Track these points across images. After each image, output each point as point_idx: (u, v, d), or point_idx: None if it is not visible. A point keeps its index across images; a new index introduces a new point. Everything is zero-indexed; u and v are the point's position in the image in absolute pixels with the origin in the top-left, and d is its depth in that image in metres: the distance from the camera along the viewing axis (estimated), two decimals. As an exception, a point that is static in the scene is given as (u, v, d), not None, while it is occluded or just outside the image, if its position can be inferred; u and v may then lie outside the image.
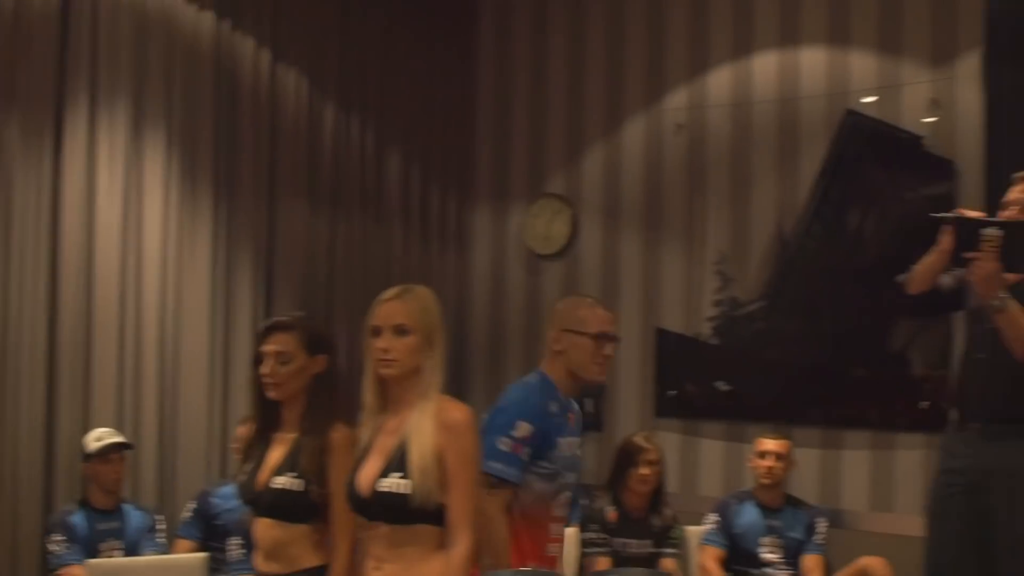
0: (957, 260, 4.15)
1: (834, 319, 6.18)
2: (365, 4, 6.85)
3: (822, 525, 5.70)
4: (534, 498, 3.90)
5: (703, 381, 6.60)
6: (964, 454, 4.39)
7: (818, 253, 6.24)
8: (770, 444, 5.69)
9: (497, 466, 3.77)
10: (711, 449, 6.56)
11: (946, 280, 4.46)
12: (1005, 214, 4.30)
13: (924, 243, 5.59)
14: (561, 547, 4.09)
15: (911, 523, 5.40)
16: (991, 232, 4.03)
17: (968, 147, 5.79)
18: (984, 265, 4.07)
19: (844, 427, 6.13)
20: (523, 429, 3.81)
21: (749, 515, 5.68)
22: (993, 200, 4.99)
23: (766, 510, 5.68)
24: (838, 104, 6.21)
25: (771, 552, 5.62)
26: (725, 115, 6.58)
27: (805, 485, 6.02)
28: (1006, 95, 5.64)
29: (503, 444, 3.79)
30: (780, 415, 6.19)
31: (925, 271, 4.36)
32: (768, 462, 5.66)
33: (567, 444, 3.97)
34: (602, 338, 3.98)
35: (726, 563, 5.65)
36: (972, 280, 4.18)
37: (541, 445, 3.85)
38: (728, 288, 6.55)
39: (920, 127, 5.94)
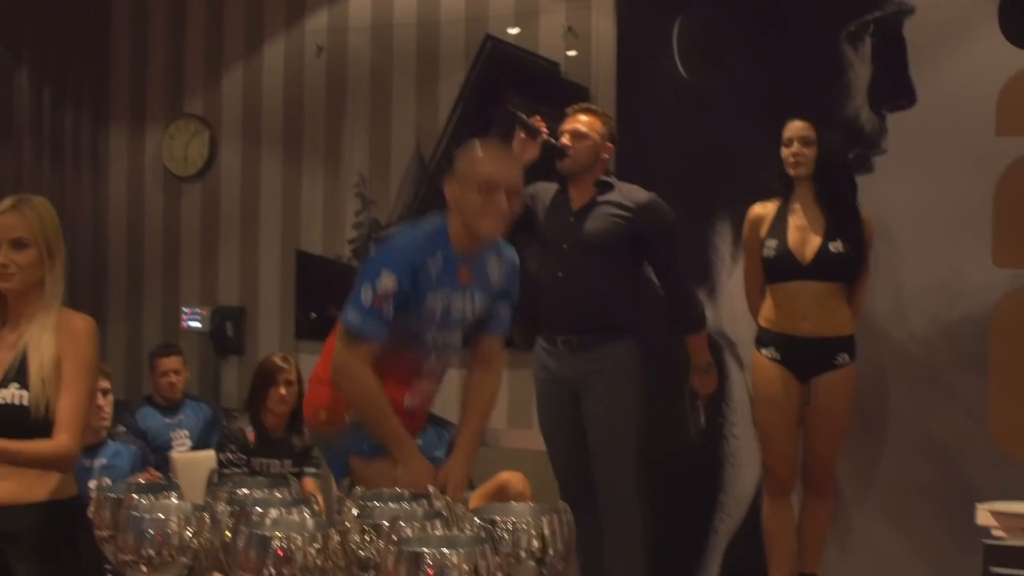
0: None
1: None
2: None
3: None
4: (397, 354, 3.76)
5: (344, 303, 6.60)
6: (555, 366, 4.94)
7: (458, 176, 6.33)
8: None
9: (354, 319, 3.65)
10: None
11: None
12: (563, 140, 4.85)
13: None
14: (427, 401, 4.05)
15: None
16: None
17: (603, 75, 5.99)
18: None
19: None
20: (386, 283, 3.60)
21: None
22: (623, 127, 5.23)
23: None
24: (477, 29, 6.30)
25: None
26: (365, 38, 6.58)
27: (446, 403, 6.13)
28: (637, 24, 5.86)
29: (365, 296, 3.63)
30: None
31: None
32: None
33: (441, 299, 3.73)
34: (491, 188, 3.65)
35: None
36: None
37: (408, 301, 3.66)
38: (368, 210, 6.58)
39: (557, 55, 6.10)
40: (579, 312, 4.84)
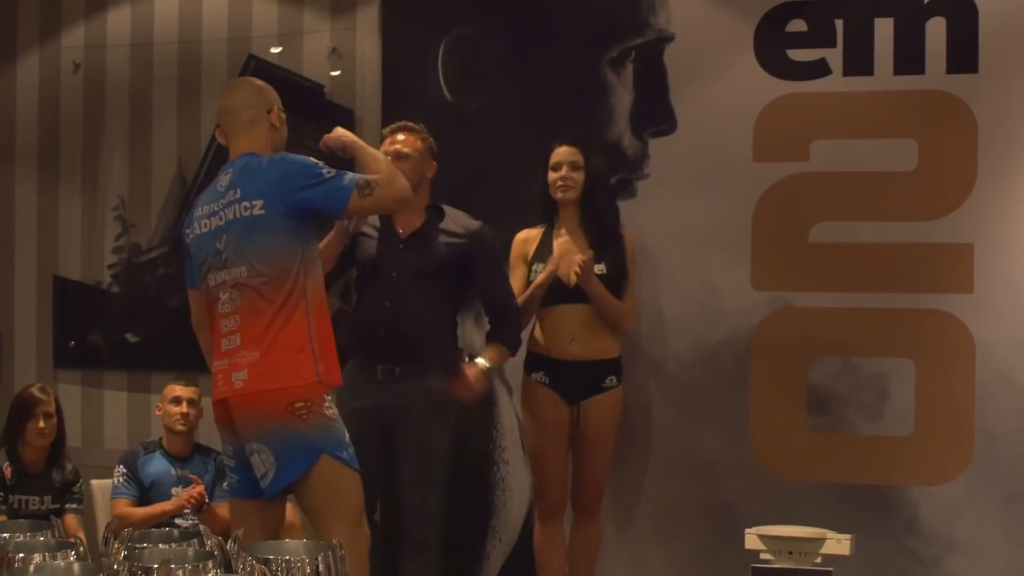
0: None
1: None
2: None
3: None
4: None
5: (105, 330, 6.42)
6: (367, 397, 4.76)
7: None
8: (181, 390, 5.64)
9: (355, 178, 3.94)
10: (115, 400, 6.39)
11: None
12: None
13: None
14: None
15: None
16: None
17: (367, 97, 5.94)
18: None
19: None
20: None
21: (158, 465, 5.60)
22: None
23: (175, 459, 5.62)
24: (240, 49, 6.18)
25: (181, 501, 5.59)
26: (124, 55, 6.38)
27: (213, 432, 6.00)
28: (402, 45, 5.84)
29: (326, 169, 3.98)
30: (186, 364, 6.08)
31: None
32: (182, 408, 5.61)
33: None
34: None
35: (136, 515, 5.55)
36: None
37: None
38: (128, 234, 6.38)
39: (322, 76, 6.03)
40: (404, 341, 4.75)
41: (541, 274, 4.99)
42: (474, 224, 4.88)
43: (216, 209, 4.02)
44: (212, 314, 4.04)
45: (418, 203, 4.79)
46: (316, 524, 3.98)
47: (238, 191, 3.98)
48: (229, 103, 4.15)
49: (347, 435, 3.96)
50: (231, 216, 3.97)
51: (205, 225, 4.05)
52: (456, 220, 4.88)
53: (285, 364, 3.87)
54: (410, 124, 4.95)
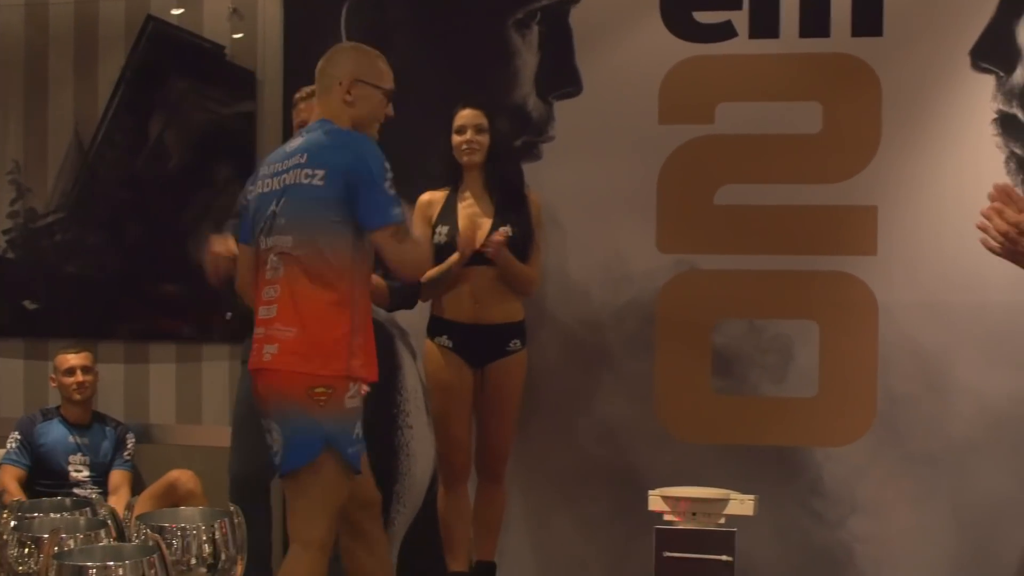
0: None
1: (137, 230, 6.06)
2: None
3: (130, 440, 5.65)
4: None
5: (0, 296, 6.26)
6: None
7: (118, 162, 6.07)
8: (73, 358, 5.54)
9: (401, 213, 3.85)
10: (11, 368, 6.24)
11: None
12: None
13: (228, 154, 5.67)
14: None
15: (217, 434, 5.48)
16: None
17: (269, 59, 5.84)
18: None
19: (150, 340, 6.04)
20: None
21: (55, 432, 5.52)
22: (291, 112, 5.11)
23: (73, 427, 5.54)
24: (139, 9, 6.04)
25: (79, 470, 5.49)
26: (18, 15, 6.22)
27: (111, 401, 5.91)
28: (304, 6, 5.75)
29: (391, 188, 3.85)
30: (84, 331, 6.00)
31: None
32: (77, 377, 5.51)
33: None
34: (390, 96, 4.02)
35: (30, 482, 5.44)
36: None
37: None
38: (24, 199, 6.23)
39: (223, 37, 5.91)
40: None
41: (450, 260, 4.91)
42: None
43: (280, 170, 3.92)
44: (259, 277, 3.94)
45: None
46: (289, 513, 3.90)
47: (304, 156, 3.87)
48: (319, 65, 4.06)
49: (360, 428, 3.87)
50: (291, 181, 3.86)
51: (268, 185, 3.94)
52: None
53: (318, 349, 3.76)
54: None
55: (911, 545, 5.18)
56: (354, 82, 3.95)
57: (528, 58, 5.47)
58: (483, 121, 5.03)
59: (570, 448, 5.43)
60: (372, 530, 4.15)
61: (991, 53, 5.12)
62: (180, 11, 6.00)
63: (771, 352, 5.28)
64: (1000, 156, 5.11)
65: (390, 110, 4.02)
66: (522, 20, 5.46)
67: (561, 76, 5.42)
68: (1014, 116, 5.11)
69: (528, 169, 5.28)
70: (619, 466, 5.36)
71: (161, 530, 2.36)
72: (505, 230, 4.90)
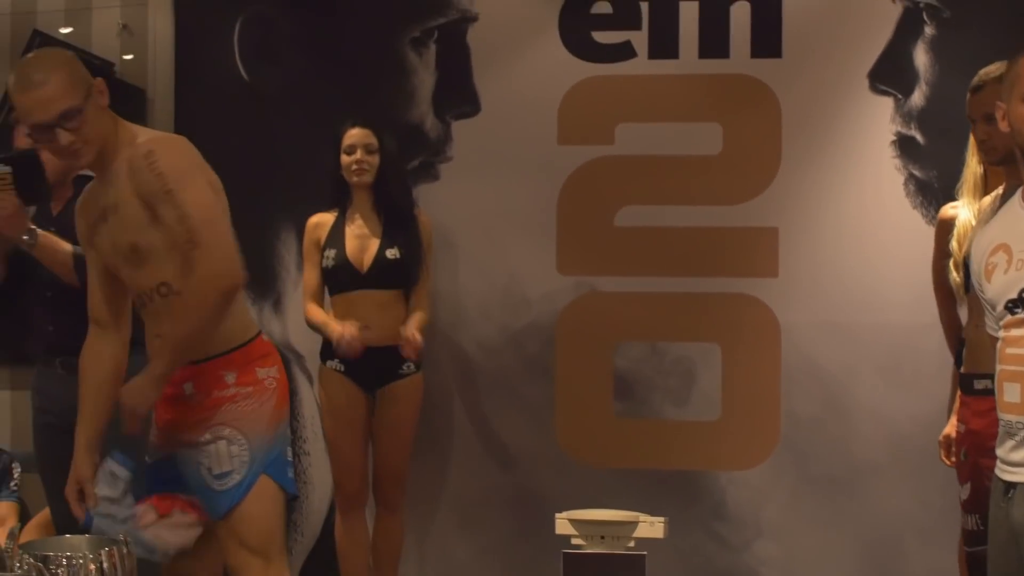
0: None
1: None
2: None
3: (16, 470, 5.47)
4: None
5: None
6: (55, 393, 4.27)
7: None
8: None
9: None
10: None
11: None
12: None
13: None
14: None
15: (106, 460, 5.32)
16: (1, 170, 3.91)
17: (160, 75, 5.71)
18: (3, 205, 3.93)
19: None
20: None
21: (-68, 464, 5.34)
22: (181, 129, 4.99)
23: (-47, 458, 5.36)
24: (25, 24, 5.88)
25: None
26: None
27: (-3, 428, 5.76)
28: (197, 23, 5.64)
29: None
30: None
31: None
32: None
33: None
34: None
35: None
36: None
37: None
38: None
39: (112, 53, 5.77)
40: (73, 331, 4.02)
41: (330, 330, 4.85)
42: None
43: None
44: None
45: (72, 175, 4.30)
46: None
47: None
48: None
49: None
50: None
51: None
52: None
53: None
54: None
55: (816, 568, 5.15)
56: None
57: (425, 77, 5.40)
58: (372, 141, 4.95)
59: (471, 474, 5.35)
60: None
61: (889, 76, 5.14)
62: (69, 29, 5.85)
63: (673, 375, 5.25)
64: (899, 178, 5.12)
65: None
66: (419, 38, 5.39)
67: (459, 95, 5.37)
68: (912, 138, 5.12)
69: (425, 190, 5.22)
70: (521, 491, 5.30)
71: (45, 559, 2.24)
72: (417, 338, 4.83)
